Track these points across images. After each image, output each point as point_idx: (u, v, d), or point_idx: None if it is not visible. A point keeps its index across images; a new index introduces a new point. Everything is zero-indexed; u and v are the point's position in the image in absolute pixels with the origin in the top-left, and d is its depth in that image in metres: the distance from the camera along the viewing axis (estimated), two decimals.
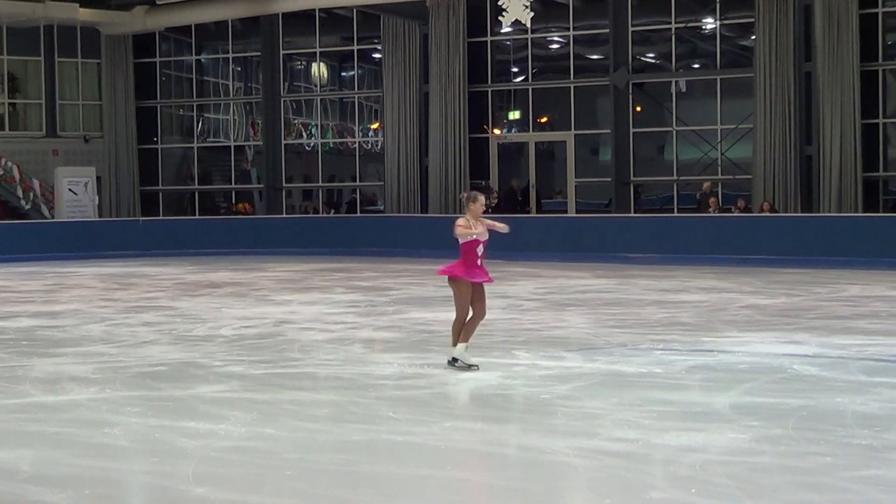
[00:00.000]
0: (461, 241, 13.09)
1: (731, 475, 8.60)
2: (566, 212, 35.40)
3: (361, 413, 11.21)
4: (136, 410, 11.39)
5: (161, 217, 40.29)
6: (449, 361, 13.20)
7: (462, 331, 13.14)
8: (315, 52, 39.61)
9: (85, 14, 38.63)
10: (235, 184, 41.21)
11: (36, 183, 38.33)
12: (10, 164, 37.71)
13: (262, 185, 40.11)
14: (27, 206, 37.83)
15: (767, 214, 30.66)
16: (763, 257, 28.85)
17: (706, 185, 32.93)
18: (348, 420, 10.94)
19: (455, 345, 13.16)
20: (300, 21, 39.01)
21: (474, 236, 13.03)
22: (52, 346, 15.74)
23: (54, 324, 18.35)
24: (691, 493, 8.18)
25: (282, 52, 39.63)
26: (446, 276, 13.28)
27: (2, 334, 17.14)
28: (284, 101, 39.91)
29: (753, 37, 32.74)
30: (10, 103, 40.51)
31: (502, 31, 35.49)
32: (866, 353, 14.41)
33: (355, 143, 39.57)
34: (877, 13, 31.90)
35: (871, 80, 31.74)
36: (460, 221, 13.16)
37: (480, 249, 13.15)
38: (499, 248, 31.47)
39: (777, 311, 19.11)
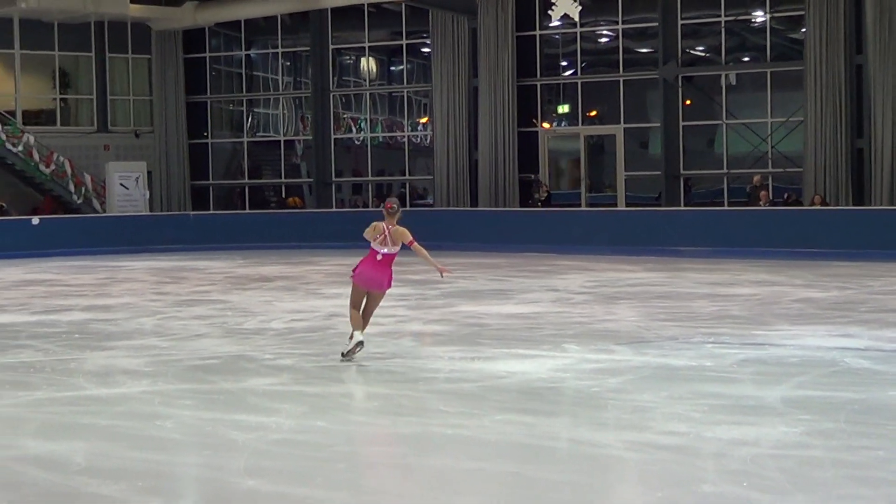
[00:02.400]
0: (397, 249, 13.58)
1: (783, 469, 8.55)
2: (616, 205, 35.31)
3: (412, 406, 11.26)
4: (188, 403, 11.47)
5: (211, 211, 40.55)
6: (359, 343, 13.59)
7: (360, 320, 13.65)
8: (364, 47, 39.63)
9: (135, 10, 38.85)
10: (285, 178, 41.30)
11: (87, 178, 38.56)
12: (62, 159, 37.95)
13: (311, 180, 40.21)
14: (79, 201, 38.07)
15: (819, 207, 30.46)
16: (814, 250, 28.61)
17: (756, 178, 32.75)
18: (399, 413, 10.97)
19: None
20: (349, 16, 39.05)
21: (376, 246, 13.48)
22: (105, 340, 15.84)
23: (106, 317, 18.44)
24: (742, 486, 8.14)
25: (331, 46, 39.72)
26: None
27: (54, 328, 17.22)
28: (333, 95, 40.00)
29: (804, 29, 32.56)
30: (61, 99, 40.77)
31: (551, 24, 35.42)
32: None
33: (404, 137, 39.62)
34: None
35: None
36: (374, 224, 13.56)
37: (380, 256, 13.47)
38: (550, 241, 31.82)
39: (829, 305, 18.98)
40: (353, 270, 13.53)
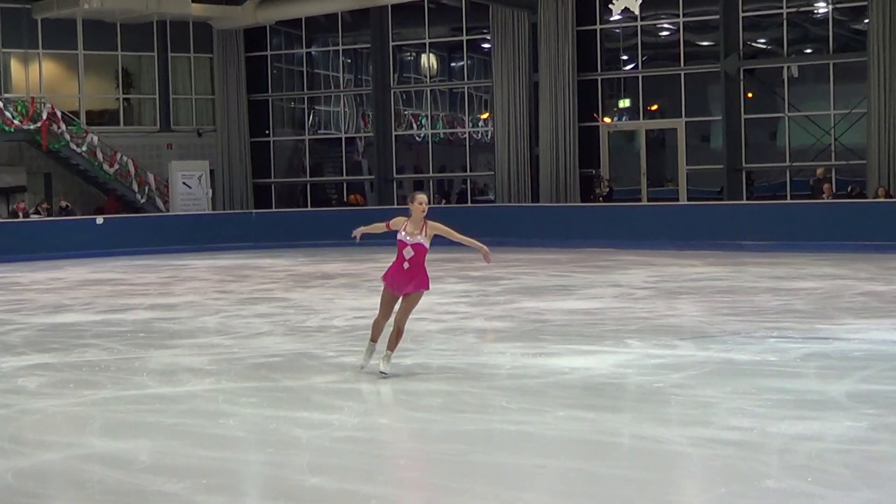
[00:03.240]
0: (427, 242, 12.32)
1: (848, 464, 8.48)
2: (677, 199, 35.20)
3: (474, 403, 11.21)
4: (252, 401, 11.49)
5: (273, 209, 40.75)
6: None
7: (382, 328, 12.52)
8: (424, 43, 39.67)
9: (197, 9, 39.06)
10: (346, 175, 41.41)
11: (151, 177, 38.84)
12: (125, 158, 38.24)
13: (373, 177, 40.34)
14: (142, 200, 38.34)
15: (883, 200, 30.24)
16: (879, 243, 28.47)
17: (820, 170, 32.52)
18: (461, 410, 10.95)
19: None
20: (409, 12, 39.10)
21: (402, 235, 12.30)
22: (168, 338, 15.92)
23: (170, 316, 18.57)
24: (807, 481, 8.10)
25: (391, 43, 39.81)
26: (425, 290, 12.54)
27: (119, 326, 17.35)
28: (394, 92, 40.07)
29: (866, 20, 32.30)
30: (124, 98, 41.06)
31: (611, 18, 35.32)
32: None
33: (465, 133, 39.64)
34: None
35: None
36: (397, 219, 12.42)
37: (409, 252, 12.28)
38: (611, 236, 31.73)
39: (894, 298, 18.87)
40: (383, 276, 12.49)
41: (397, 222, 12.37)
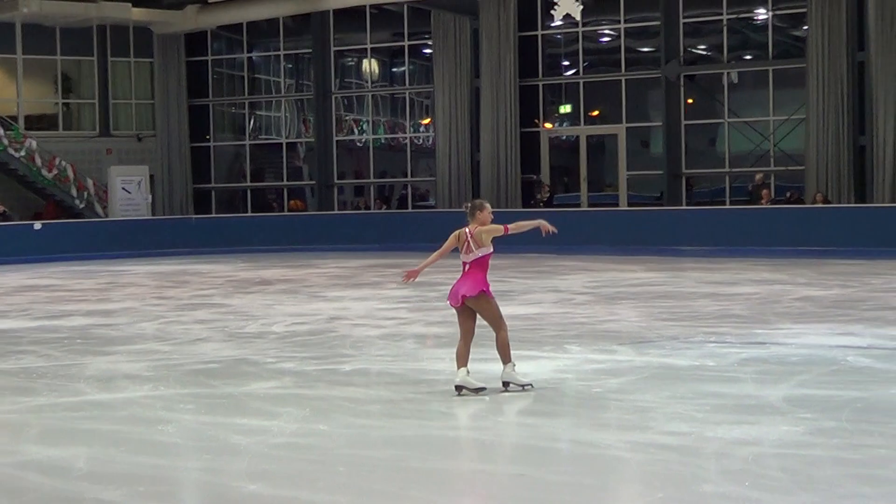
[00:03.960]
0: (484, 252, 11.62)
1: (785, 468, 8.55)
2: (617, 205, 35.30)
3: (414, 408, 11.20)
4: (190, 408, 11.44)
5: (213, 215, 40.53)
6: (456, 387, 11.70)
7: (464, 354, 11.73)
8: (366, 49, 39.58)
9: (137, 14, 38.83)
10: (287, 181, 41.25)
11: (90, 182, 38.59)
12: (64, 163, 37.96)
13: (313, 182, 40.19)
14: (81, 205, 38.08)
15: (820, 205, 30.44)
16: (816, 249, 28.66)
17: (758, 176, 32.71)
18: (400, 416, 10.93)
19: (460, 368, 11.73)
20: (351, 17, 39.02)
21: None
22: (106, 345, 15.81)
23: (108, 322, 18.43)
24: (744, 486, 8.13)
25: (333, 48, 39.68)
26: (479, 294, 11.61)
27: (56, 333, 17.21)
28: (336, 97, 39.95)
29: (806, 27, 32.50)
30: (63, 103, 40.79)
31: (553, 24, 35.32)
32: None
33: (406, 138, 39.58)
34: None
35: None
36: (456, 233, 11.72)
37: (467, 267, 11.72)
38: (550, 242, 31.80)
39: (831, 303, 18.98)
40: (484, 288, 11.66)
41: (456, 240, 11.70)
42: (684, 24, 34.48)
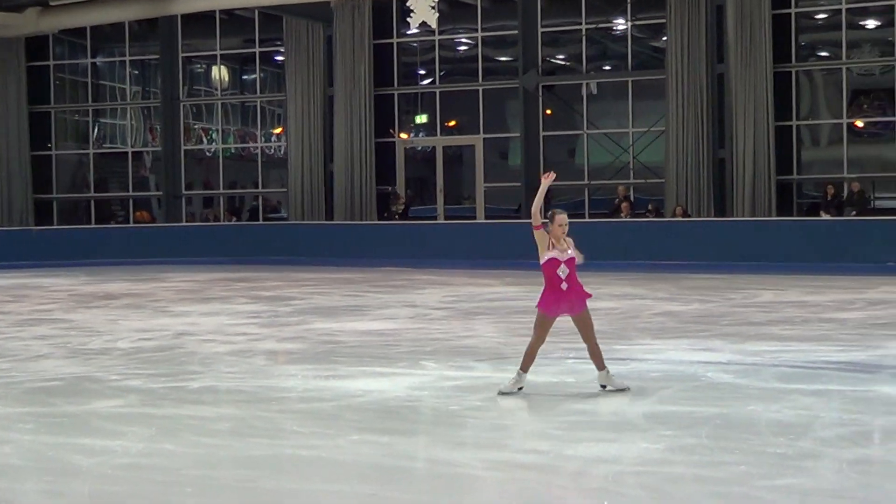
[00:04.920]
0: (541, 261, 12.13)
1: (644, 486, 8.63)
2: (475, 217, 34.99)
3: (264, 427, 11.14)
4: (29, 427, 11.27)
5: (55, 226, 39.41)
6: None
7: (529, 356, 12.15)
8: (215, 55, 38.81)
9: None
10: (133, 191, 40.28)
11: None
12: None
13: (160, 193, 39.32)
14: None
15: (680, 219, 30.48)
16: (676, 263, 28.96)
17: (621, 189, 32.44)
18: (251, 434, 10.85)
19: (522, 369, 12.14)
20: (200, 23, 38.26)
21: (552, 254, 12.15)
22: None
23: None
24: None
25: (181, 54, 38.88)
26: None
27: None
28: (184, 105, 39.15)
29: (665, 38, 32.47)
30: None
31: (409, 32, 34.96)
32: (780, 360, 14.46)
33: (257, 148, 38.90)
34: (790, 14, 31.88)
35: (784, 81, 31.63)
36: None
37: (564, 271, 12.11)
38: (407, 255, 31.54)
39: (690, 318, 19.28)
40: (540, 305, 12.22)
41: (542, 241, 12.15)
42: (543, 33, 34.30)
